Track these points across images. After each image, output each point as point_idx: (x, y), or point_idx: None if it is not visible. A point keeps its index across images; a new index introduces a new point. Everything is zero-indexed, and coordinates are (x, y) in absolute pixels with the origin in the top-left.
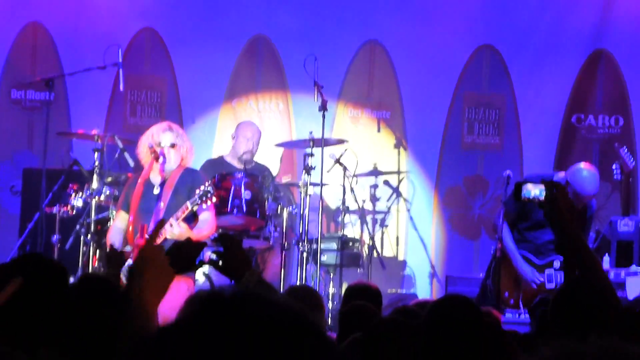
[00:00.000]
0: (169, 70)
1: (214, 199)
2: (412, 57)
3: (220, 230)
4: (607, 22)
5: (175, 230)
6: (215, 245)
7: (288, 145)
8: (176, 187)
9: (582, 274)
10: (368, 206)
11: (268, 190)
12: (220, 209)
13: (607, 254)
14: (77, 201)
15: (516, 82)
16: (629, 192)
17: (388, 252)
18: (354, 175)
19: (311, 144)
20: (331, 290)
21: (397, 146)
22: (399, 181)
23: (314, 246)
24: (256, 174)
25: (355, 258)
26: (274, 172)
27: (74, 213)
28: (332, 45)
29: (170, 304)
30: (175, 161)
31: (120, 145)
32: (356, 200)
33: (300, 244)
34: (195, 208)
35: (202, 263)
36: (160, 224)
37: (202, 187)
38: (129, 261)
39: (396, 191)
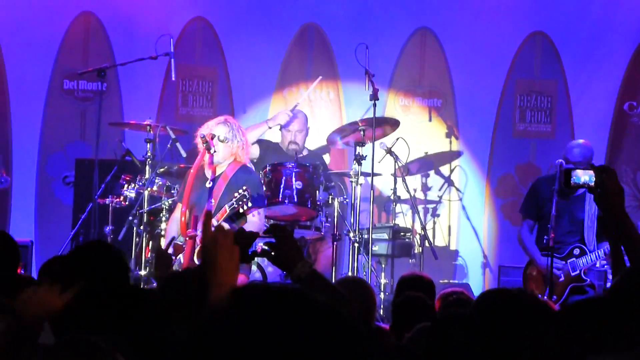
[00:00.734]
0: (220, 60)
1: (250, 204)
2: (463, 44)
3: (271, 221)
4: None
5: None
6: (267, 237)
7: (336, 136)
8: (229, 185)
9: (633, 259)
10: (419, 196)
11: (319, 180)
12: (271, 199)
13: None
14: (130, 192)
15: (568, 69)
16: None
17: (440, 242)
18: (405, 165)
19: (362, 133)
20: (383, 280)
21: (448, 135)
22: (451, 170)
23: (366, 236)
24: (307, 164)
25: (407, 248)
26: (326, 161)
27: (126, 204)
28: (383, 33)
29: None
30: (224, 155)
31: (172, 135)
32: (407, 190)
33: (351, 234)
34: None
35: (255, 254)
36: (209, 216)
37: (240, 191)
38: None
39: (448, 180)
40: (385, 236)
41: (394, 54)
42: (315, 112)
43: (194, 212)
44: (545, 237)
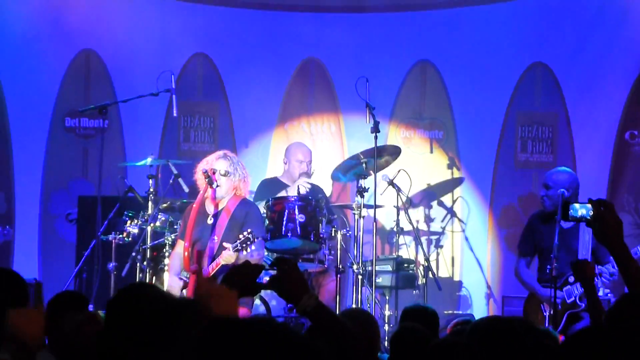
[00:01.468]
0: (221, 95)
1: (254, 247)
2: (463, 76)
3: (275, 255)
4: None
5: (229, 260)
6: (272, 269)
7: (341, 171)
8: (231, 219)
9: (632, 290)
10: (422, 227)
11: (322, 213)
12: (274, 233)
13: None
14: (133, 228)
15: (569, 100)
16: None
17: (444, 273)
18: (408, 197)
19: (364, 166)
20: (387, 312)
21: (450, 166)
22: (453, 201)
23: (369, 268)
24: (310, 197)
25: (411, 279)
26: (328, 194)
27: (129, 240)
28: (384, 66)
29: None
30: (227, 190)
31: (175, 171)
32: (410, 222)
33: (355, 266)
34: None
35: (261, 286)
36: (200, 256)
37: (245, 234)
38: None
39: (450, 211)
40: (389, 268)
41: (395, 87)
42: (316, 146)
43: (196, 247)
44: (548, 266)
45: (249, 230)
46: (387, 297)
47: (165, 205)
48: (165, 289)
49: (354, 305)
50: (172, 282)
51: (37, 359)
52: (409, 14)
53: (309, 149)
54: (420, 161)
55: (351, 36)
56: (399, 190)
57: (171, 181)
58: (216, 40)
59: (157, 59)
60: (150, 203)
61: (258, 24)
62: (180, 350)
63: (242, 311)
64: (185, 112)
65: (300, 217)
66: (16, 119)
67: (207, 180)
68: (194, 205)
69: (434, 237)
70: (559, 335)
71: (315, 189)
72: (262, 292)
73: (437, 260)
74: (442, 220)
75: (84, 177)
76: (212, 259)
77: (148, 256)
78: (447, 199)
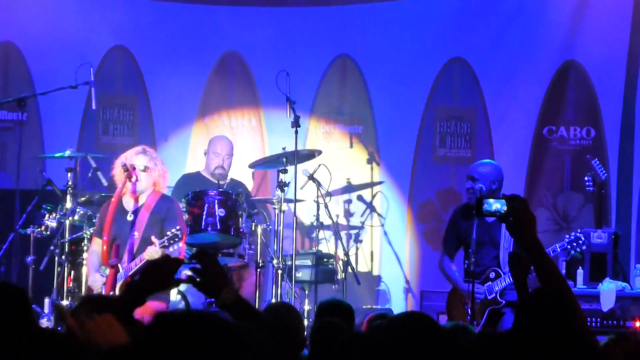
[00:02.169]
0: (141, 88)
1: (182, 244)
2: (383, 71)
3: (195, 249)
4: (576, 33)
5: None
6: (191, 263)
7: (260, 164)
8: (151, 215)
9: (544, 285)
10: (342, 221)
11: (242, 207)
12: (193, 227)
13: (580, 267)
14: (51, 221)
15: (487, 95)
16: (601, 204)
17: (363, 268)
18: (327, 191)
19: (284, 160)
20: (306, 307)
21: (369, 161)
22: (373, 196)
23: (289, 263)
24: (230, 192)
25: (330, 274)
26: (249, 189)
27: (48, 233)
28: (304, 60)
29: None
30: (147, 185)
31: (93, 164)
32: (330, 216)
33: (275, 261)
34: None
35: (180, 281)
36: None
37: (172, 230)
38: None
39: (370, 206)
40: (309, 262)
41: (315, 81)
42: (237, 140)
43: (115, 241)
44: (466, 261)
45: (177, 227)
46: (306, 292)
47: (83, 198)
48: (86, 286)
49: (273, 300)
50: (93, 279)
51: None
52: (329, 8)
53: (229, 143)
54: (340, 156)
55: (271, 30)
56: (318, 184)
57: (90, 175)
58: (136, 32)
59: (76, 52)
60: (68, 196)
61: (178, 17)
62: None
63: (160, 306)
64: (104, 105)
65: (220, 212)
66: None
67: (125, 174)
68: (112, 200)
69: (353, 232)
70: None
71: (235, 184)
72: (182, 286)
73: (356, 254)
74: (362, 215)
75: (2, 170)
76: (132, 254)
77: (66, 250)
78: (366, 194)
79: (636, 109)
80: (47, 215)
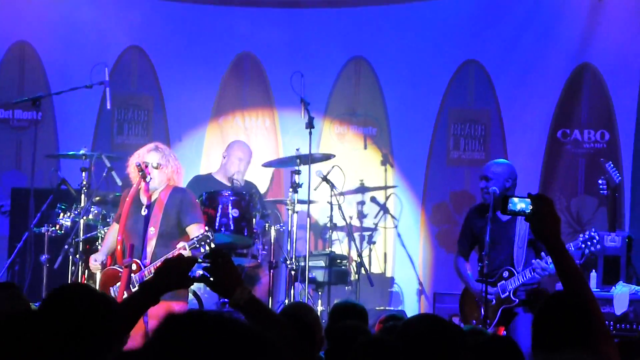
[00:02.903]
0: (155, 88)
1: (213, 245)
2: (397, 73)
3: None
4: (591, 36)
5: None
6: (205, 262)
7: (274, 164)
8: (165, 209)
9: (566, 286)
10: (355, 223)
11: (256, 208)
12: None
13: (593, 270)
14: (66, 220)
15: (501, 97)
16: (615, 207)
17: (376, 269)
18: (341, 193)
19: (298, 161)
20: (319, 307)
21: (383, 163)
22: (386, 198)
23: (302, 264)
24: (243, 192)
25: (343, 275)
26: (262, 190)
27: (62, 232)
28: (318, 61)
29: None
30: (160, 181)
31: (108, 164)
32: (343, 218)
33: (288, 261)
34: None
35: (194, 279)
36: None
37: (202, 232)
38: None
39: (383, 208)
40: (322, 263)
41: (329, 83)
42: (251, 140)
43: (131, 240)
44: (480, 263)
45: (206, 228)
46: (319, 293)
47: (98, 198)
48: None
49: (286, 301)
50: (95, 259)
51: None
52: (344, 10)
53: (250, 150)
54: (354, 157)
55: (286, 31)
56: (332, 186)
57: (104, 174)
58: (151, 33)
59: (92, 52)
60: (83, 196)
61: (193, 18)
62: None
63: (179, 305)
64: (119, 105)
65: (233, 212)
66: None
67: (140, 174)
68: (128, 199)
69: (366, 234)
70: (500, 329)
71: (248, 185)
72: (195, 286)
73: (369, 256)
74: (375, 217)
75: (17, 168)
76: (148, 252)
77: (80, 249)
78: (380, 195)
79: None
80: (61, 215)
